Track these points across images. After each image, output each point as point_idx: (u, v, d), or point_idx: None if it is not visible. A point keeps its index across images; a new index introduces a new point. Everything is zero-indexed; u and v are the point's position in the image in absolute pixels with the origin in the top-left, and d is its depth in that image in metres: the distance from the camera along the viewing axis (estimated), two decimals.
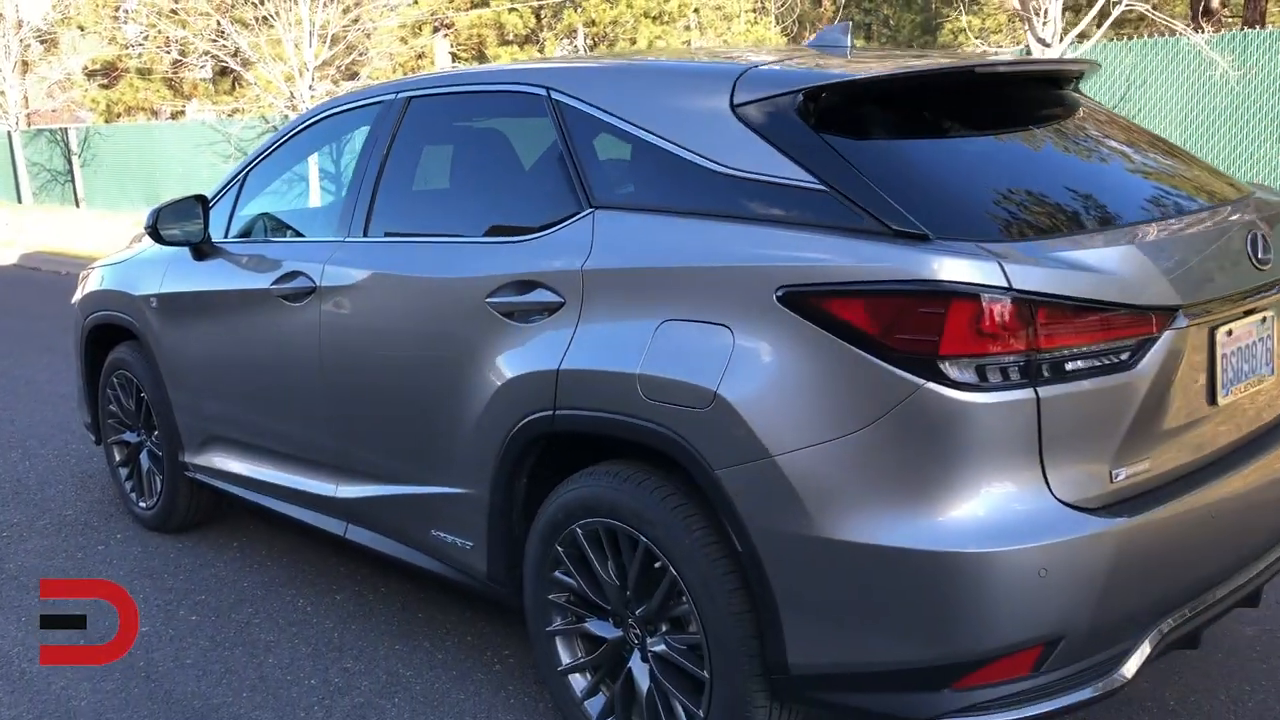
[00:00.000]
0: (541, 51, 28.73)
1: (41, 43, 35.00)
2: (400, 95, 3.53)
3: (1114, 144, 2.93)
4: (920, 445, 2.21)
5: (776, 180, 2.46)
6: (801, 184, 2.42)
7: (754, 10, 44.41)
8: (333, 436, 3.61)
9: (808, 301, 2.31)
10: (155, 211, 4.01)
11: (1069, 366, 2.22)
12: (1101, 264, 2.26)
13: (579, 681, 2.94)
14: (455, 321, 3.06)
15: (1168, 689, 3.18)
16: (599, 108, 2.89)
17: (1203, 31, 8.28)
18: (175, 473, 4.47)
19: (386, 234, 3.46)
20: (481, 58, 28.04)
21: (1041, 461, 2.21)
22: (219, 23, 17.43)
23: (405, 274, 3.30)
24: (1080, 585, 2.21)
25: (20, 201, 25.10)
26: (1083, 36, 8.16)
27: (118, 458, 4.88)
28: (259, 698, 3.35)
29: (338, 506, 3.64)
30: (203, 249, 4.08)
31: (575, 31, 28.94)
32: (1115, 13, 8.03)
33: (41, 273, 14.19)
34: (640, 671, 2.78)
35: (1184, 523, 2.39)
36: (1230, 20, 24.36)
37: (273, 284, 3.70)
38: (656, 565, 2.63)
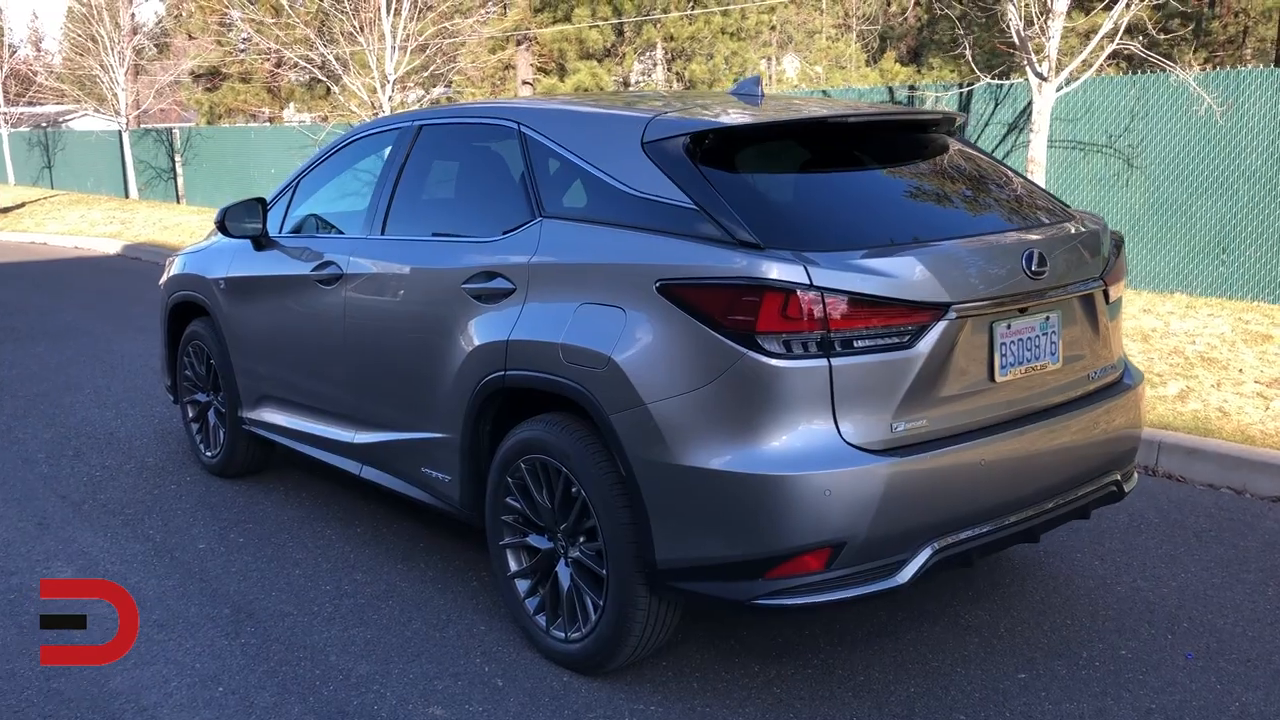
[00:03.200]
0: (622, 65, 29.64)
1: (156, 47, 36.93)
2: (415, 123, 4.42)
3: (946, 178, 3.69)
4: (744, 397, 3.00)
5: (665, 200, 3.27)
6: (680, 204, 3.23)
7: (835, 27, 44.75)
8: (351, 393, 4.50)
9: (675, 291, 3.11)
10: (224, 210, 4.96)
11: (856, 343, 2.99)
12: (887, 269, 3.03)
13: (522, 585, 3.77)
14: (440, 302, 3.92)
15: (1002, 621, 3.92)
16: (553, 140, 3.73)
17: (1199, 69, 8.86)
18: (235, 427, 5.42)
19: (398, 233, 4.34)
20: (562, 71, 28.98)
21: (833, 412, 2.99)
22: (309, 36, 18.64)
23: (407, 264, 4.17)
24: (857, 504, 2.96)
25: (127, 196, 26.71)
26: (1087, 65, 8.77)
27: (190, 414, 5.86)
28: (284, 596, 4.25)
29: (355, 450, 4.53)
30: (261, 241, 5.02)
31: (654, 46, 29.80)
32: (1104, 54, 8.65)
33: (142, 262, 15.51)
34: (564, 574, 3.60)
35: (954, 468, 3.12)
36: None
37: (311, 270, 4.61)
38: (573, 490, 3.46)
